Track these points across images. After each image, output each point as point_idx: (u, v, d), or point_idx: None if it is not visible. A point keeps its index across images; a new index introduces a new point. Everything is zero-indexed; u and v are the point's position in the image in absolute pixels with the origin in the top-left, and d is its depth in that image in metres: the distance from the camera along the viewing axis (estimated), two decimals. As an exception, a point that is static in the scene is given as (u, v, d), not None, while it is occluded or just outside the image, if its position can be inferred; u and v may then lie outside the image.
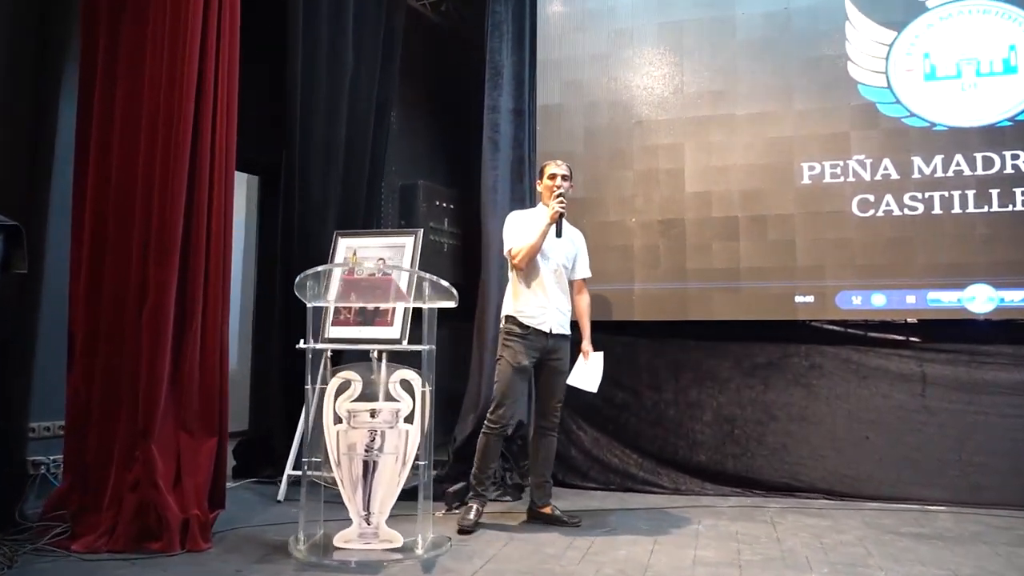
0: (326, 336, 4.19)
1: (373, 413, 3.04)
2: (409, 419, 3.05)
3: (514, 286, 3.54)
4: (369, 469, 3.00)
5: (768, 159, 4.25)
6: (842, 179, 4.15)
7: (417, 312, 4.23)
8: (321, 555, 2.87)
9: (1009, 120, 3.95)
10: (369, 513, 2.96)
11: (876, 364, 4.08)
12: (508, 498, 3.99)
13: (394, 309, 4.20)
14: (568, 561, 2.86)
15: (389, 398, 3.07)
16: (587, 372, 3.60)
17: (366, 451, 3.00)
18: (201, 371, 3.12)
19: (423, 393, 3.06)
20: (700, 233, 4.32)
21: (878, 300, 4.06)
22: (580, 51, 4.63)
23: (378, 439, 3.01)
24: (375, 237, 4.43)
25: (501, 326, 3.60)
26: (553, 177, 3.58)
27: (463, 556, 2.92)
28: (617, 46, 4.57)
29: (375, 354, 4.03)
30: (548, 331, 3.49)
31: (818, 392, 4.14)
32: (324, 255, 4.32)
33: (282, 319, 4.39)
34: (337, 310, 4.29)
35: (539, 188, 3.69)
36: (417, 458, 3.02)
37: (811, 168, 4.20)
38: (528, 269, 3.50)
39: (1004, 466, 3.79)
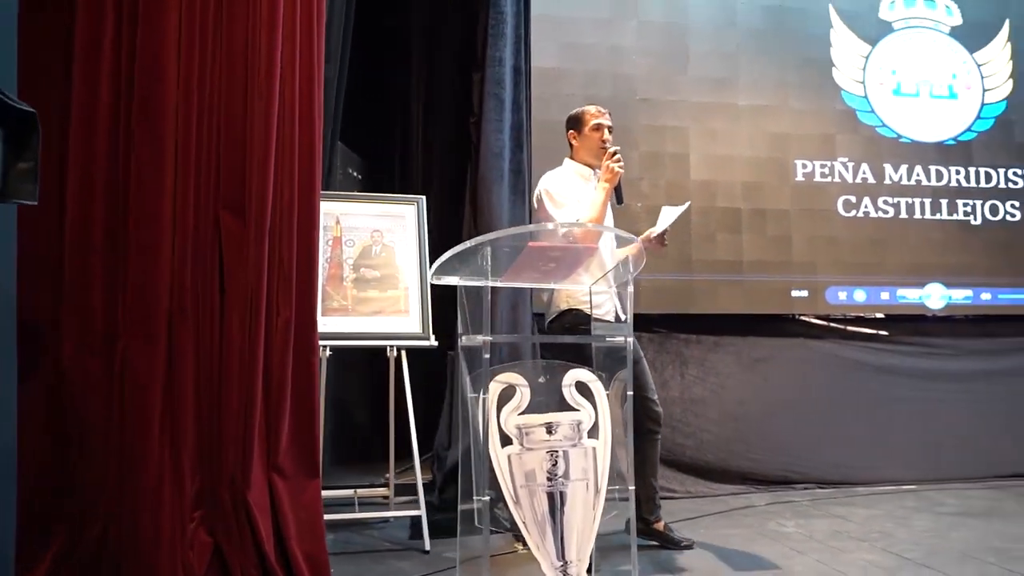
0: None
1: (550, 428, 2.27)
2: (592, 433, 2.34)
3: None
4: (556, 503, 2.23)
5: (767, 153, 4.25)
6: (829, 179, 4.31)
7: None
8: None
9: (953, 140, 4.47)
10: (566, 563, 2.20)
11: (856, 357, 4.30)
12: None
13: (407, 294, 3.30)
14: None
15: (564, 407, 2.33)
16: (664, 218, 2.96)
17: (548, 480, 2.23)
18: (294, 381, 2.04)
19: (615, 398, 2.37)
20: (705, 223, 4.15)
21: (859, 296, 4.29)
22: (580, 12, 4.15)
23: (561, 462, 2.26)
24: (364, 203, 3.44)
25: (550, 321, 2.96)
26: (599, 129, 2.92)
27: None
28: (620, 14, 4.19)
29: (393, 352, 3.20)
30: (614, 319, 2.96)
31: (809, 385, 4.23)
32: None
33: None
34: (329, 295, 3.23)
35: (573, 142, 3.02)
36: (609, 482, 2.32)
37: (804, 166, 4.29)
38: None
39: (959, 445, 4.25)
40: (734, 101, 4.24)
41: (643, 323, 4.09)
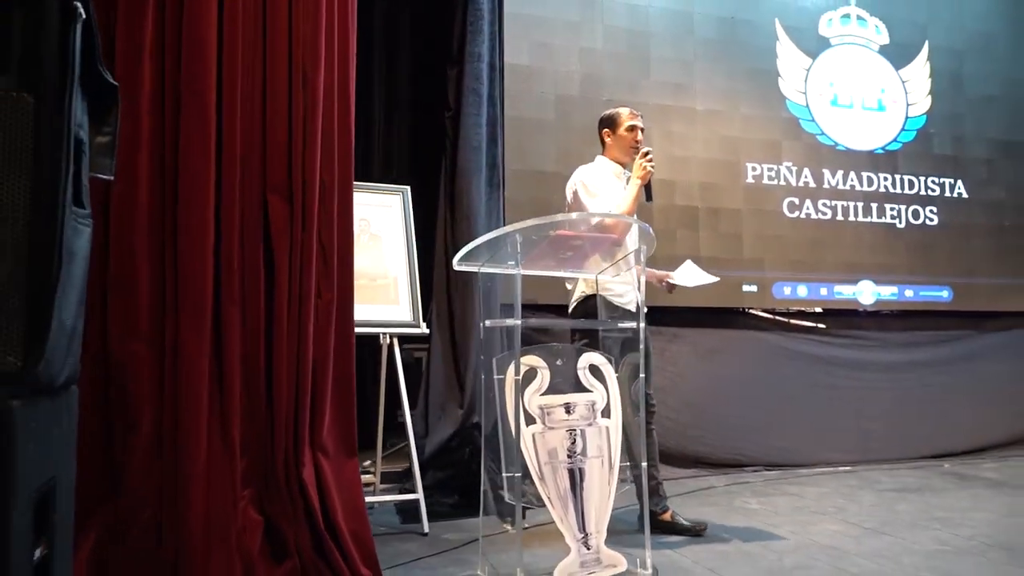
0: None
1: (568, 408, 2.39)
2: (605, 413, 2.46)
3: None
4: (576, 479, 2.34)
5: (721, 155, 4.51)
6: (776, 182, 4.62)
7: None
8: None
9: (882, 149, 4.89)
10: (586, 535, 2.31)
11: (798, 348, 4.64)
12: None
13: (396, 283, 3.33)
14: (798, 562, 2.64)
15: (579, 388, 2.44)
16: (687, 272, 3.19)
17: (568, 457, 2.34)
18: (335, 361, 2.07)
19: (624, 380, 2.51)
20: (665, 220, 4.35)
21: (802, 291, 4.62)
22: (551, 12, 4.28)
23: (579, 440, 2.37)
24: (349, 191, 3.42)
25: (575, 306, 3.10)
26: (633, 130, 3.11)
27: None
28: (588, 17, 4.35)
29: (386, 340, 3.22)
30: (635, 310, 3.13)
31: (757, 374, 4.51)
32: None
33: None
34: (320, 283, 3.21)
35: (607, 139, 3.18)
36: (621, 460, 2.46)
37: (753, 169, 4.59)
38: None
39: (886, 429, 4.65)
40: (691, 105, 4.47)
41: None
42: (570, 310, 3.08)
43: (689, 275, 3.21)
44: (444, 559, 2.62)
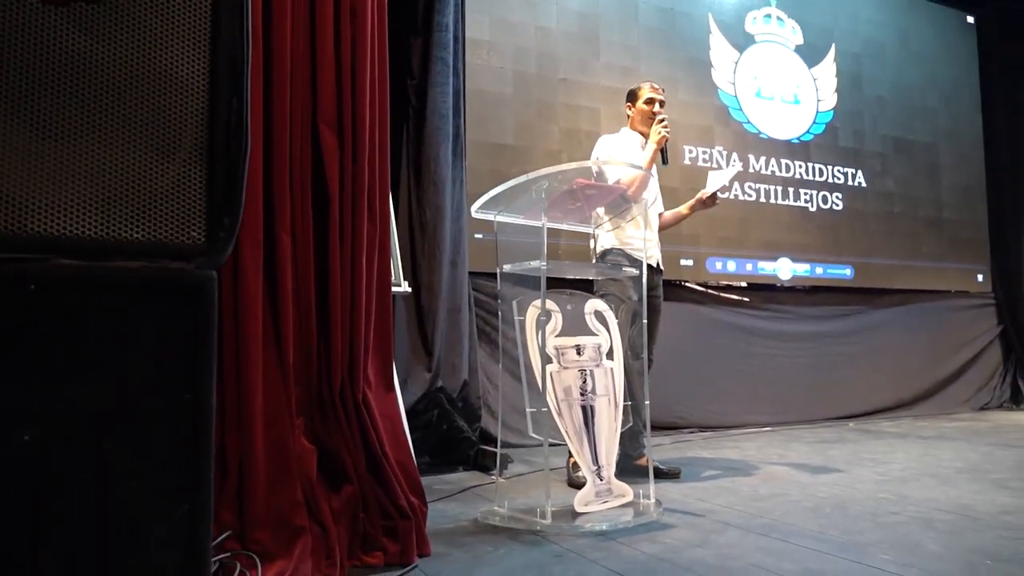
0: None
1: (579, 349, 2.52)
2: (609, 355, 2.62)
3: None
4: (588, 415, 2.48)
5: (662, 137, 4.78)
6: (709, 164, 4.96)
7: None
8: (573, 525, 2.28)
9: (797, 139, 5.35)
10: (599, 467, 2.45)
11: (727, 319, 5.00)
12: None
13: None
14: (773, 491, 2.89)
15: (586, 331, 2.59)
16: (714, 179, 3.39)
17: (581, 395, 2.48)
18: (379, 293, 2.11)
19: (623, 325, 2.67)
20: (613, 196, 4.58)
21: (731, 266, 4.99)
22: (509, -10, 4.40)
23: (589, 380, 2.52)
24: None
25: (598, 258, 3.24)
26: (651, 102, 3.28)
27: (694, 509, 2.66)
28: (542, -3, 4.50)
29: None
30: (655, 264, 3.31)
31: (692, 343, 4.83)
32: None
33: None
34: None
35: (629, 112, 3.36)
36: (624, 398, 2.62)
37: (690, 151, 4.90)
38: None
39: (799, 394, 5.11)
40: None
41: (560, 284, 4.44)
42: (593, 261, 3.22)
43: (717, 179, 3.39)
44: (449, 503, 2.69)
